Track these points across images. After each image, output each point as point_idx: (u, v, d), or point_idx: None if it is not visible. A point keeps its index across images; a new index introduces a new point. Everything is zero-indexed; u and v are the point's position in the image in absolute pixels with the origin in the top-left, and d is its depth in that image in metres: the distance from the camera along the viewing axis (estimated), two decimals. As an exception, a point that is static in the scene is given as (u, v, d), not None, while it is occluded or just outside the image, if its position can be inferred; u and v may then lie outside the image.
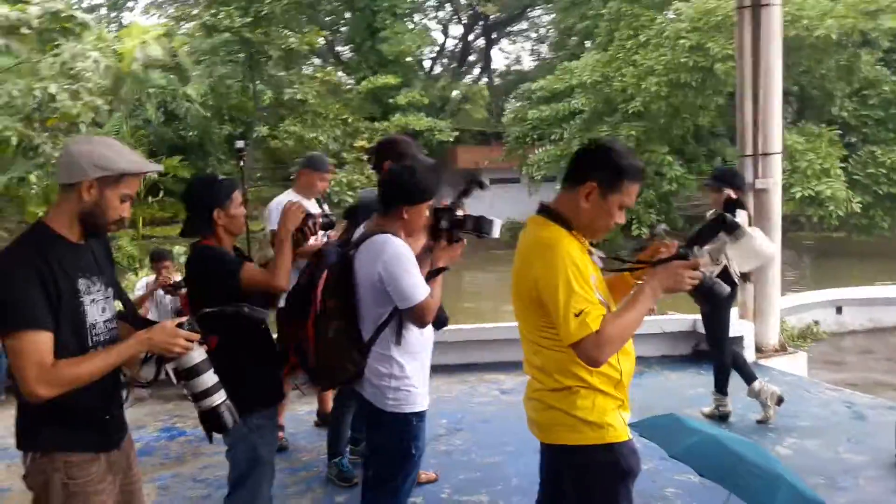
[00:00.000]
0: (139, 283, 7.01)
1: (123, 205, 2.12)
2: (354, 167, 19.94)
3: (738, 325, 6.42)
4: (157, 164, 2.49)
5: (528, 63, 40.56)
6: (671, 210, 21.42)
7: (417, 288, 2.67)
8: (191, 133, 19.16)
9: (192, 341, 2.11)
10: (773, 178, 6.54)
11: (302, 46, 19.28)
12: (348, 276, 2.81)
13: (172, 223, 19.06)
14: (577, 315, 2.08)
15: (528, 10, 36.51)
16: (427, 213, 2.84)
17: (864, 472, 4.01)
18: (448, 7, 35.15)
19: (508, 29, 39.88)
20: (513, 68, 39.94)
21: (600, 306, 2.14)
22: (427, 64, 34.87)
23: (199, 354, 2.15)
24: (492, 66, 38.54)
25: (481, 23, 36.63)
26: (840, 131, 20.79)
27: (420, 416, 2.82)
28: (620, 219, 2.25)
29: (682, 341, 6.67)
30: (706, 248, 2.31)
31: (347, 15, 30.28)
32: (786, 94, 22.10)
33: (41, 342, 1.94)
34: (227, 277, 2.81)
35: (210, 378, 2.18)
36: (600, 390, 2.22)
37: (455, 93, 29.70)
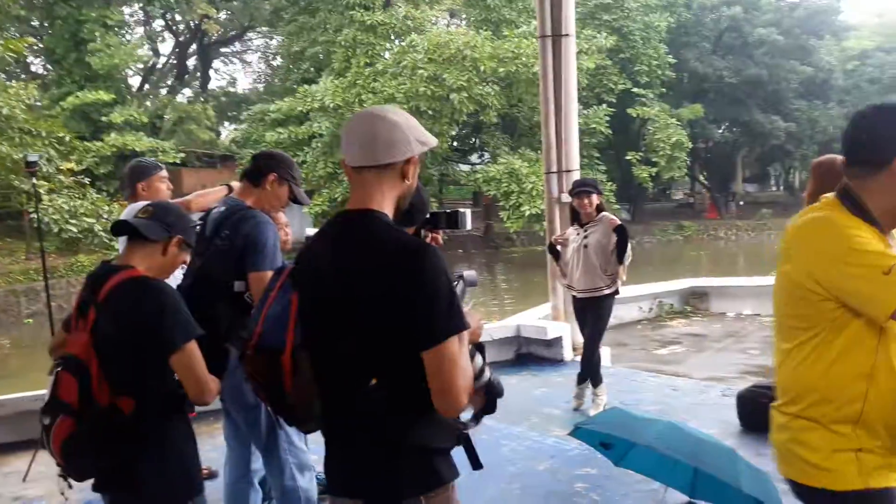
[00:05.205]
0: None
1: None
2: (75, 192, 17.60)
3: (556, 327, 6.99)
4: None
5: (243, 85, 39.54)
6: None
7: None
8: None
9: None
10: (575, 193, 7.25)
11: (6, 54, 16.58)
12: None
13: None
14: (885, 273, 1.67)
15: (248, 31, 35.61)
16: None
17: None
18: (160, 22, 32.84)
19: (224, 49, 38.52)
20: (229, 90, 38.64)
21: None
22: (139, 80, 32.18)
23: None
24: (209, 87, 36.83)
25: (196, 42, 34.81)
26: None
27: None
28: None
29: (506, 346, 7.06)
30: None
31: (36, 24, 26.76)
32: (503, 123, 24.51)
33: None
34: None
35: None
36: None
37: (169, 112, 27.69)
